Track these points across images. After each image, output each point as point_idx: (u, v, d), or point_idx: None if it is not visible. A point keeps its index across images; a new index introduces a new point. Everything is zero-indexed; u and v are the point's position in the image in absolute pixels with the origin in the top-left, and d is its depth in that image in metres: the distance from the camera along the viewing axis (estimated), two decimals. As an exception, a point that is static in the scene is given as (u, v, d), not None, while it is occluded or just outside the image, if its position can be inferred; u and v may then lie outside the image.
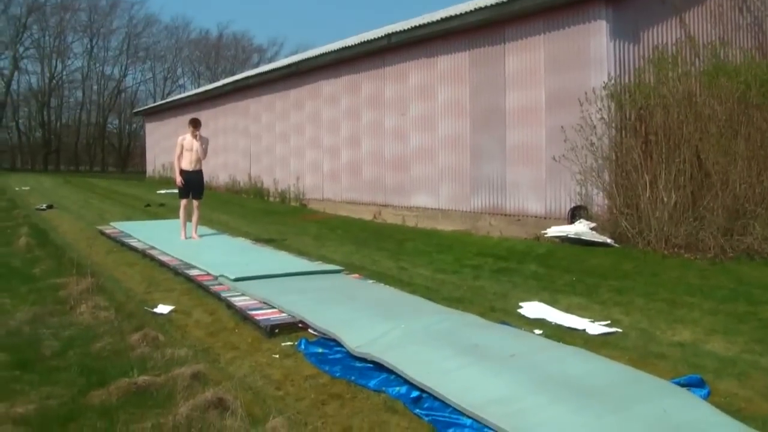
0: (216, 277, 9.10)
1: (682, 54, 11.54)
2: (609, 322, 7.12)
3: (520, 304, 7.93)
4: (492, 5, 13.18)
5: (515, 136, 13.08)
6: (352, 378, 5.61)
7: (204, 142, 12.88)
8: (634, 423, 4.38)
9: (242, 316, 7.48)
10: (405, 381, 5.32)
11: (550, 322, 7.16)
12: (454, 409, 4.77)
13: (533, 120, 12.71)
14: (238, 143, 25.24)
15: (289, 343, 6.60)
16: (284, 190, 21.47)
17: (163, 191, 26.04)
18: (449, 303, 7.90)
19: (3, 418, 4.63)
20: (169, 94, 64.40)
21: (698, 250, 9.96)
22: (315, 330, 6.78)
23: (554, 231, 11.55)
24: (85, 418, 4.66)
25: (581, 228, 11.15)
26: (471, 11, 13.66)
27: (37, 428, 4.48)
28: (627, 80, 11.45)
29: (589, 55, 11.71)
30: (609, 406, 4.60)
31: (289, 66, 21.55)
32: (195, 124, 12.92)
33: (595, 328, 6.89)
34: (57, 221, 16.52)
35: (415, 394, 5.10)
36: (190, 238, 12.83)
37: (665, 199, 10.38)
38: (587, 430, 4.29)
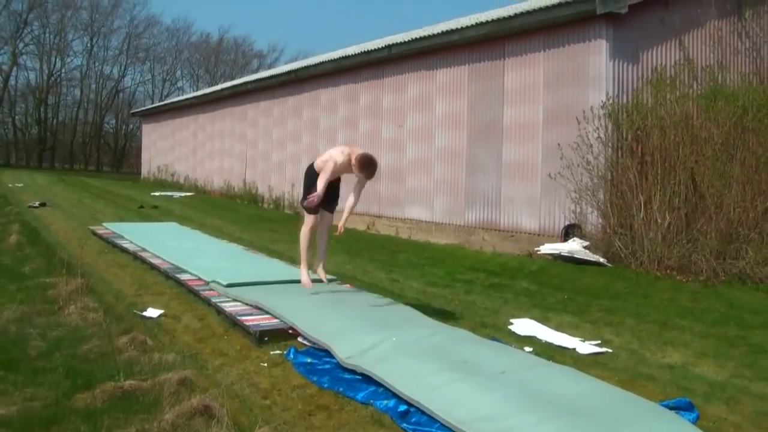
0: (207, 283, 9.05)
1: (681, 76, 11.57)
2: (599, 341, 7.11)
3: (511, 320, 7.91)
4: (493, 20, 13.20)
5: (512, 151, 13.09)
6: (340, 389, 5.58)
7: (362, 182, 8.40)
8: (622, 445, 4.36)
9: (232, 322, 7.45)
10: (393, 394, 5.29)
11: (541, 340, 7.15)
12: (442, 424, 4.74)
13: (530, 136, 12.71)
14: (234, 148, 25.21)
15: (278, 351, 6.57)
16: (279, 197, 21.44)
17: (157, 193, 26.00)
18: (440, 317, 7.87)
19: (-15, 420, 4.60)
20: (167, 96, 64.38)
21: (690, 273, 9.96)
22: (305, 339, 6.75)
23: (547, 248, 11.53)
24: (69, 422, 4.61)
25: (574, 246, 11.15)
26: (472, 25, 13.69)
27: (19, 430, 4.44)
28: (625, 100, 11.46)
29: (588, 74, 11.73)
30: (598, 427, 4.57)
31: (288, 73, 21.55)
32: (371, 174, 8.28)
33: (586, 347, 6.88)
34: (49, 219, 16.46)
35: (402, 408, 5.08)
36: (317, 280, 8.64)
37: (659, 221, 10.39)
38: (575, 452, 4.27)
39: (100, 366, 5.78)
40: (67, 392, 5.14)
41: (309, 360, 6.26)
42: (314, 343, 6.57)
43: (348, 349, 6.18)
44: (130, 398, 5.07)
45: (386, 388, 5.40)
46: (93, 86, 64.72)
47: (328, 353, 6.31)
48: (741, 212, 10.26)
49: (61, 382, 5.36)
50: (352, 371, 5.87)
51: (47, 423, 4.55)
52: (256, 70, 61.67)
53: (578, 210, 11.57)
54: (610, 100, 11.29)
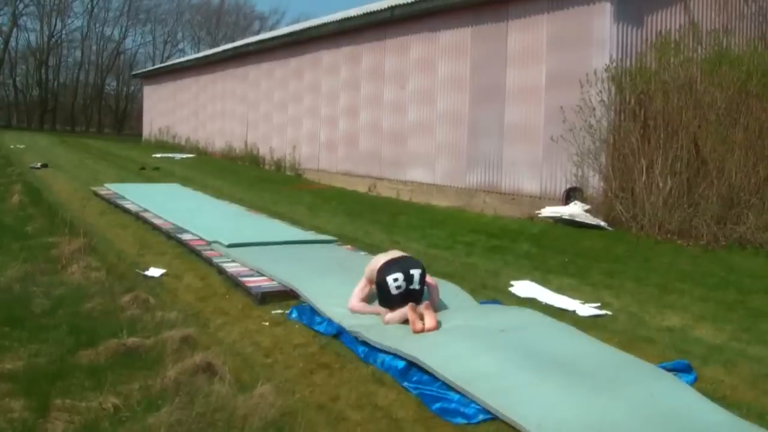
0: (209, 243, 9.08)
1: (685, 40, 11.48)
2: (599, 304, 7.13)
3: (512, 282, 7.92)
4: (497, -18, 13.10)
5: (514, 114, 13.04)
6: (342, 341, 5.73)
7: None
8: (621, 406, 4.39)
9: (233, 282, 7.49)
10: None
11: (541, 302, 7.16)
12: (443, 383, 4.78)
13: (532, 99, 12.66)
14: (236, 110, 25.12)
15: (279, 311, 6.62)
16: (280, 159, 21.41)
17: (158, 155, 25.96)
18: (441, 278, 7.89)
19: (-9, 373, 4.65)
20: (168, 57, 63.99)
21: (691, 237, 9.98)
22: (305, 301, 6.77)
23: (548, 211, 11.54)
24: (73, 377, 4.68)
25: (575, 210, 11.15)
26: (476, -13, 13.58)
27: (25, 384, 4.49)
28: (628, 64, 11.39)
29: (592, 37, 11.65)
30: (597, 387, 4.61)
31: (290, 34, 21.43)
32: None
33: (585, 309, 6.90)
34: (51, 180, 16.47)
35: (402, 365, 5.11)
36: None
37: (661, 185, 10.38)
38: (575, 411, 4.30)
39: (103, 324, 5.83)
40: (72, 349, 5.19)
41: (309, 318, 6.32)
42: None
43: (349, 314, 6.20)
44: (134, 355, 5.13)
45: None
46: (94, 48, 64.47)
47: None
48: (743, 177, 10.25)
49: (65, 339, 5.41)
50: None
51: (52, 378, 4.60)
52: (258, 32, 61.14)
53: (580, 173, 11.56)
54: (614, 64, 11.22)
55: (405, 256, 6.36)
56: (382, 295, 6.07)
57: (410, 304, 5.86)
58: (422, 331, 5.65)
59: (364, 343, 5.62)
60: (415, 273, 6.07)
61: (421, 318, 5.77)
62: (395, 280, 5.96)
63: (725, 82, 10.62)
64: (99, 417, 4.08)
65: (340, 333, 5.88)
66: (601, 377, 4.80)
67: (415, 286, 6.04)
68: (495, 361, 4.99)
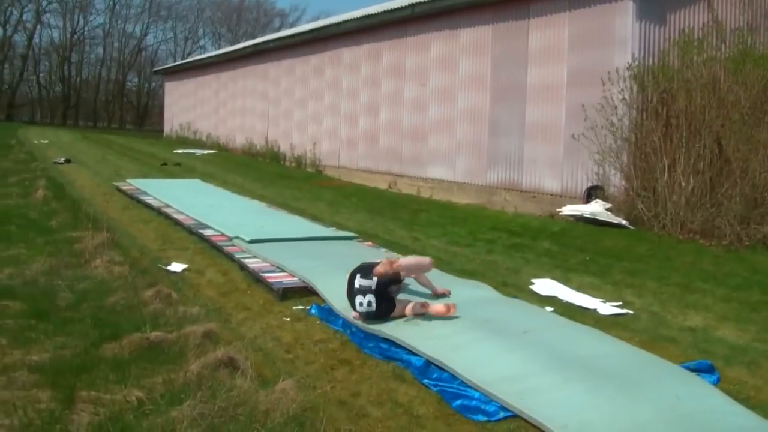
0: (231, 239, 9.13)
1: (709, 38, 11.38)
2: (620, 303, 7.11)
3: (532, 280, 7.92)
4: (519, -21, 13.05)
5: (535, 112, 13.01)
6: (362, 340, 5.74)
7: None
8: (646, 407, 4.38)
9: (255, 278, 7.53)
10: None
11: (562, 300, 7.15)
12: (463, 381, 4.78)
13: (554, 97, 12.62)
14: (256, 107, 25.21)
15: (300, 306, 6.65)
16: (300, 155, 21.47)
17: (179, 151, 26.08)
18: (461, 275, 7.90)
19: (19, 365, 4.71)
20: (189, 54, 64.43)
21: (714, 237, 9.90)
22: (326, 302, 6.75)
23: (569, 209, 11.51)
24: (98, 370, 4.73)
25: (597, 208, 11.11)
26: (498, -16, 13.54)
27: (51, 376, 4.55)
28: (651, 62, 11.32)
29: (614, 35, 11.59)
30: (622, 389, 4.60)
31: (311, 31, 21.46)
32: None
33: (607, 308, 6.88)
34: (74, 176, 16.60)
35: (421, 362, 5.13)
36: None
37: (683, 184, 10.32)
38: (600, 413, 4.30)
39: (126, 318, 5.88)
40: (96, 342, 5.25)
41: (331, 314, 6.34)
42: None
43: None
44: (157, 349, 5.18)
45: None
46: (116, 44, 65.15)
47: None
48: (767, 177, 10.16)
49: (89, 333, 5.46)
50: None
51: (77, 370, 4.65)
52: (278, 29, 61.27)
53: (601, 172, 11.51)
54: (636, 62, 11.15)
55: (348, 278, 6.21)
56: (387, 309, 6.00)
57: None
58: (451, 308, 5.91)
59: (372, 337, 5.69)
60: (356, 278, 6.05)
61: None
62: (360, 304, 5.94)
63: (749, 81, 10.52)
64: (123, 409, 4.12)
65: (354, 332, 5.92)
66: (625, 379, 4.79)
67: (369, 278, 5.95)
68: (519, 363, 4.99)
